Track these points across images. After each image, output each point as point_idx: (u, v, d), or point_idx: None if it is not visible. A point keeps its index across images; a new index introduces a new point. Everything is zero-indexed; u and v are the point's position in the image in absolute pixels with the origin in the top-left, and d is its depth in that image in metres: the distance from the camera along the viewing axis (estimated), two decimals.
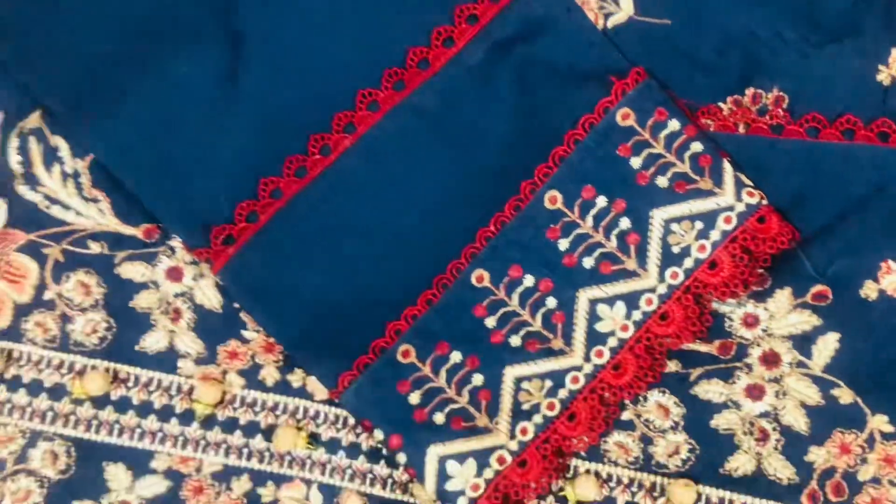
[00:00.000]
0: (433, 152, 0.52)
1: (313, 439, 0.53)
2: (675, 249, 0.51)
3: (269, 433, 0.53)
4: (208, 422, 0.53)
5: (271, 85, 0.52)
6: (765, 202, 0.51)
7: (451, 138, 0.52)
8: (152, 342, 0.54)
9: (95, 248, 0.55)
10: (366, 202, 0.52)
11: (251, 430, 0.53)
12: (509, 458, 0.48)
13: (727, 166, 0.51)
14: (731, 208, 0.50)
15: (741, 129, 0.52)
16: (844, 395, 0.51)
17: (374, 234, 0.51)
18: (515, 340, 0.50)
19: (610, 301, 0.50)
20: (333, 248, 0.51)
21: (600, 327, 0.50)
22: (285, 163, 0.52)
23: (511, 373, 0.50)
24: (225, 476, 0.53)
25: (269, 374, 0.54)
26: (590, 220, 0.51)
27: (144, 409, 0.54)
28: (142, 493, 0.53)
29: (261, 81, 0.52)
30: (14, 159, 0.54)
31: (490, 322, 0.50)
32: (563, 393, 0.49)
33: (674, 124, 0.52)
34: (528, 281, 0.51)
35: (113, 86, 0.52)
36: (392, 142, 0.52)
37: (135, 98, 0.52)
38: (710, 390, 0.52)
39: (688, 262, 0.50)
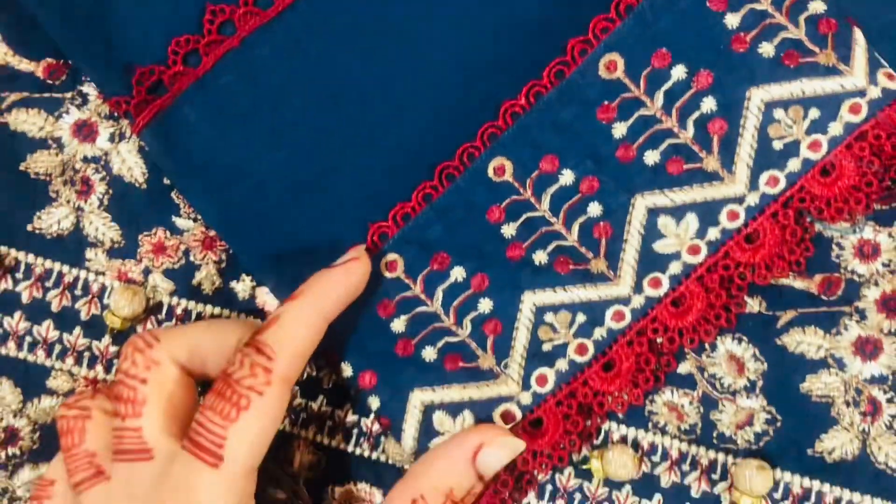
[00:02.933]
0: None
1: None
2: (777, 145, 0.40)
3: None
4: (124, 337, 0.43)
5: None
6: None
7: None
8: (51, 221, 0.44)
9: None
10: (351, 51, 0.41)
11: None
12: (519, 415, 0.39)
13: (859, 36, 0.40)
14: (860, 93, 0.40)
15: None
16: None
17: (359, 97, 0.41)
18: (541, 257, 0.40)
19: (677, 212, 0.40)
20: (302, 111, 0.41)
21: (660, 247, 0.40)
22: None
23: (531, 300, 0.40)
24: None
25: (208, 279, 0.44)
26: (660, 98, 0.40)
27: (37, 311, 0.44)
28: (35, 418, 0.43)
29: None
30: None
31: (508, 230, 0.40)
32: (599, 332, 0.40)
33: None
34: (566, 177, 0.40)
35: None
36: None
37: None
38: (803, 341, 0.42)
39: (793, 165, 0.40)
